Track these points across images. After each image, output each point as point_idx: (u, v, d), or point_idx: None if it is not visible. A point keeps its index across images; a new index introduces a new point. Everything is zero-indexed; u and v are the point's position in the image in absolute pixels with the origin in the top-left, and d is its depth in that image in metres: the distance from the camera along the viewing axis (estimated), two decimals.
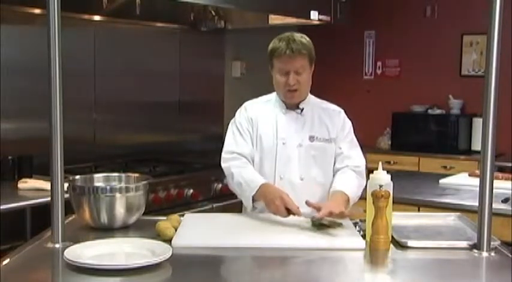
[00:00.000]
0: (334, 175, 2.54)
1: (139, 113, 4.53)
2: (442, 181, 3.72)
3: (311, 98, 2.59)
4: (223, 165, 2.54)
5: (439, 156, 5.19)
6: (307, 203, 2.25)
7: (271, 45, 2.49)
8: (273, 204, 2.30)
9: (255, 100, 2.65)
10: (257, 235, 2.16)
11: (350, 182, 2.47)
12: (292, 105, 2.55)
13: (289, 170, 2.50)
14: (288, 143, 2.51)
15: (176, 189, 3.83)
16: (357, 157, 2.57)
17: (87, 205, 2.21)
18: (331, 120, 2.56)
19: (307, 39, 2.50)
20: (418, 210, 3.21)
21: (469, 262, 1.97)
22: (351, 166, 2.53)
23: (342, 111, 2.61)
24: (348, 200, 2.39)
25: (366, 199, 2.09)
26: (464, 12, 5.43)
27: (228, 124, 2.64)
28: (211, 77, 5.20)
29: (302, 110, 2.54)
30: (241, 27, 5.00)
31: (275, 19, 4.59)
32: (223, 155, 2.56)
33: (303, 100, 2.55)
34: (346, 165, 2.53)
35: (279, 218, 2.32)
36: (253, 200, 2.43)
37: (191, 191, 3.91)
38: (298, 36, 2.48)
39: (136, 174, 2.50)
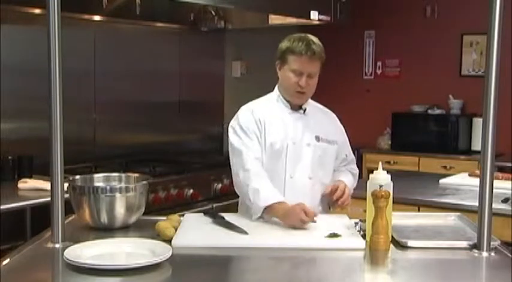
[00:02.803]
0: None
1: (139, 113, 4.53)
2: (442, 181, 3.72)
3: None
4: (242, 172, 2.40)
5: (439, 156, 5.20)
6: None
7: (286, 44, 2.44)
8: (292, 215, 2.23)
9: (257, 101, 2.58)
10: (257, 235, 2.16)
11: (348, 179, 2.61)
12: (295, 105, 2.54)
13: (299, 169, 2.49)
14: (297, 142, 2.49)
15: (176, 189, 3.83)
16: (354, 161, 2.75)
17: (87, 205, 2.21)
18: (330, 122, 2.62)
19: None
20: (418, 210, 3.21)
21: (469, 262, 1.97)
22: (349, 168, 2.68)
23: (333, 113, 2.69)
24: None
25: (366, 199, 2.09)
26: (464, 12, 5.43)
27: (228, 124, 2.57)
28: (211, 77, 5.20)
29: (305, 110, 2.55)
30: (241, 27, 5.00)
31: (275, 19, 4.59)
32: (242, 162, 2.41)
33: None
34: (347, 168, 2.67)
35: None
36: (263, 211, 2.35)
37: (191, 191, 3.91)
38: (313, 38, 2.46)
39: (136, 174, 2.50)
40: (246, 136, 2.45)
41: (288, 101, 2.53)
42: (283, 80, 2.48)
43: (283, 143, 2.47)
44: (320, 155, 2.52)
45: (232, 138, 2.47)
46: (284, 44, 2.45)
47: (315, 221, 2.23)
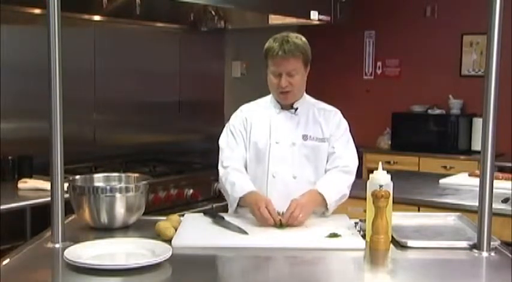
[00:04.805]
0: None
1: (139, 113, 4.53)
2: (442, 181, 3.72)
3: (306, 97, 2.58)
4: (222, 169, 2.52)
5: (439, 156, 5.19)
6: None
7: (266, 45, 2.47)
8: (257, 210, 2.27)
9: (251, 103, 2.64)
10: (257, 235, 2.16)
11: (332, 184, 2.44)
12: (286, 105, 2.54)
13: (282, 168, 2.49)
14: (281, 142, 2.50)
15: (176, 189, 3.83)
16: (348, 157, 2.52)
17: (87, 205, 2.21)
18: (326, 119, 2.54)
19: (303, 40, 2.47)
20: (418, 210, 3.21)
21: (469, 262, 1.97)
22: (340, 167, 2.49)
23: (339, 111, 2.58)
24: (324, 200, 2.37)
25: (366, 199, 2.09)
26: (464, 12, 5.43)
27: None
28: (211, 77, 5.20)
29: (296, 109, 2.53)
30: (241, 27, 5.00)
31: (275, 19, 4.58)
32: (221, 159, 2.54)
33: (297, 100, 2.53)
34: (336, 166, 2.49)
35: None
36: (238, 204, 2.42)
37: (191, 191, 3.91)
38: (293, 36, 2.45)
39: (136, 174, 2.50)
40: (231, 135, 2.55)
41: (278, 101, 2.54)
42: (268, 82, 2.50)
43: (266, 143, 2.50)
44: (307, 154, 2.50)
45: (221, 136, 2.60)
46: (265, 46, 2.47)
47: (278, 222, 2.23)
